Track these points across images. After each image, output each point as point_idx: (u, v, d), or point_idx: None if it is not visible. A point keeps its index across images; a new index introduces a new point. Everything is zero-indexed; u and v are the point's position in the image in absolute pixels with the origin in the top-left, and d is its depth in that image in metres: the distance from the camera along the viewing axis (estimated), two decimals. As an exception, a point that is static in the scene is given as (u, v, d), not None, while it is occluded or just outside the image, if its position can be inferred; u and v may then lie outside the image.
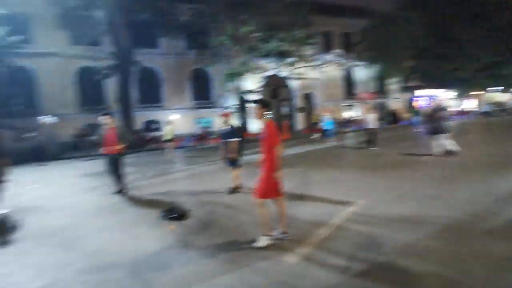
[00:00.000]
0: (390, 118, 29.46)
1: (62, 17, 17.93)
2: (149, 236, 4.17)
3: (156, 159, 13.24)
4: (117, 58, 18.39)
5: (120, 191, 6.60)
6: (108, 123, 6.51)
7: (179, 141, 18.75)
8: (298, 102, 28.62)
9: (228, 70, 21.50)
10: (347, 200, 5.13)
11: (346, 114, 31.07)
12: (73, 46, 21.38)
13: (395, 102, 33.58)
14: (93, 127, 18.91)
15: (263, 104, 3.65)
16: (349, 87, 32.20)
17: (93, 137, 15.83)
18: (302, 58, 23.43)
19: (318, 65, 27.75)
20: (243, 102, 21.64)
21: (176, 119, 23.72)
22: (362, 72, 31.15)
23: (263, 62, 22.86)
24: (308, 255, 3.29)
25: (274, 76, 26.91)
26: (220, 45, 20.43)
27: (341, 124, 27.94)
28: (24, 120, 18.57)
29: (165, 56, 24.26)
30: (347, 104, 31.83)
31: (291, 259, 3.21)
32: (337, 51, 29.95)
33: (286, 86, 28.49)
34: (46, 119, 18.88)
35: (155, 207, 5.47)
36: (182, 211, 4.81)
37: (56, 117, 19.43)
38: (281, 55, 22.27)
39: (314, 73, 27.89)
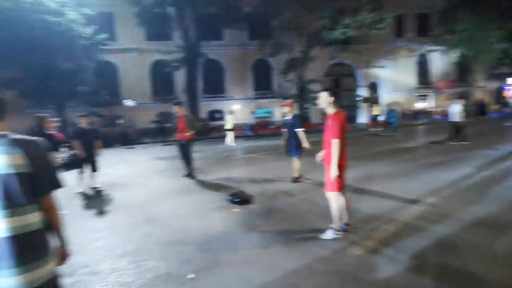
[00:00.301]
0: (475, 109, 25.80)
1: (139, 15, 19.73)
2: (216, 217, 4.48)
3: (219, 146, 13.95)
4: (186, 51, 19.62)
5: (189, 174, 7.18)
6: (178, 112, 7.06)
7: (239, 130, 19.43)
8: (363, 92, 27.02)
9: (289, 59, 21.29)
10: (417, 197, 4.80)
11: (419, 105, 28.29)
12: (148, 42, 23.48)
13: (480, 91, 29.37)
14: (166, 115, 20.72)
15: (331, 93, 3.48)
16: (423, 75, 29.07)
17: (168, 125, 17.34)
18: (369, 44, 21.99)
19: (388, 51, 25.76)
20: (304, 92, 21.27)
21: (237, 109, 24.55)
22: (440, 58, 27.88)
23: (326, 51, 22.06)
24: (373, 249, 3.19)
25: (337, 64, 25.84)
26: (282, 34, 20.29)
27: (413, 115, 25.73)
28: (109, 108, 21.19)
29: (228, 47, 25.05)
30: (420, 94, 28.92)
31: (355, 251, 3.16)
32: (410, 35, 27.30)
33: (350, 75, 27.11)
34: (129, 103, 21.32)
35: (220, 191, 5.84)
36: (246, 196, 5.04)
37: (135, 101, 21.82)
38: (346, 42, 21.16)
39: (383, 60, 25.98)
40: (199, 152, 11.19)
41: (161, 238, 3.80)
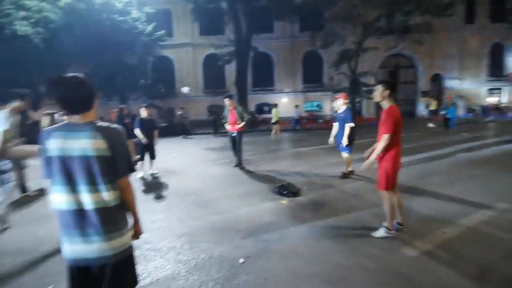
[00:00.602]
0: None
1: (195, 11, 20.61)
2: (264, 207, 4.59)
3: (266, 139, 14.10)
4: (237, 45, 19.99)
5: (239, 165, 7.41)
6: (230, 104, 7.28)
7: (287, 123, 19.37)
8: (423, 85, 24.92)
9: (342, 50, 20.48)
10: (485, 201, 4.37)
11: (491, 100, 25.22)
12: (202, 36, 24.44)
13: None
14: (217, 108, 21.50)
15: (387, 85, 3.27)
16: (496, 66, 25.68)
17: (220, 117, 17.95)
18: (433, 33, 20.16)
19: (455, 40, 23.36)
20: (356, 85, 20.30)
21: (285, 102, 24.43)
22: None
23: (382, 41, 20.75)
24: (429, 251, 3.02)
25: (395, 55, 24.19)
26: (335, 25, 19.51)
27: (482, 111, 23.16)
28: (164, 100, 22.61)
29: (278, 40, 24.95)
30: (492, 87, 25.72)
31: (409, 252, 3.02)
32: (483, 21, 24.29)
33: (410, 67, 25.16)
34: (185, 89, 22.54)
35: (268, 182, 5.95)
36: (294, 189, 5.06)
37: (190, 88, 23.01)
38: (406, 31, 19.63)
39: (449, 50, 23.68)
40: (248, 144, 11.43)
41: (213, 223, 4.03)
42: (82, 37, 16.91)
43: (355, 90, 20.29)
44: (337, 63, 20.56)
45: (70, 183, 1.55)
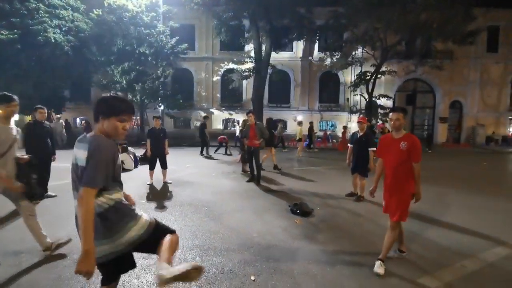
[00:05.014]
0: None
1: (217, 27, 21.30)
2: (276, 224, 4.53)
3: (280, 156, 14.04)
4: (256, 62, 20.34)
5: (253, 180, 7.39)
6: (251, 120, 7.34)
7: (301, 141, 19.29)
8: (442, 110, 24.49)
9: (360, 72, 20.52)
10: (506, 236, 4.18)
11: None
12: (222, 51, 25.05)
13: None
14: (231, 121, 21.65)
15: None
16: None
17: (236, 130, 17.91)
18: (454, 60, 20.05)
19: (476, 67, 23.14)
20: (373, 107, 20.15)
21: (300, 120, 24.48)
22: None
23: (401, 64, 20.72)
24: (451, 284, 2.89)
25: (413, 80, 24.04)
26: (354, 47, 19.68)
27: (503, 142, 22.53)
28: (181, 111, 22.99)
29: (296, 59, 25.26)
30: (513, 117, 25.03)
31: (430, 283, 2.89)
32: (506, 50, 23.93)
33: (429, 92, 24.88)
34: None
35: (281, 199, 5.90)
36: (308, 208, 4.98)
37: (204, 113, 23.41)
38: (426, 55, 19.56)
39: (469, 76, 23.45)
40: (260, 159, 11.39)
41: (225, 237, 4.00)
42: (109, 47, 17.66)
43: (371, 112, 20.13)
44: (354, 85, 20.55)
45: (75, 188, 1.69)
